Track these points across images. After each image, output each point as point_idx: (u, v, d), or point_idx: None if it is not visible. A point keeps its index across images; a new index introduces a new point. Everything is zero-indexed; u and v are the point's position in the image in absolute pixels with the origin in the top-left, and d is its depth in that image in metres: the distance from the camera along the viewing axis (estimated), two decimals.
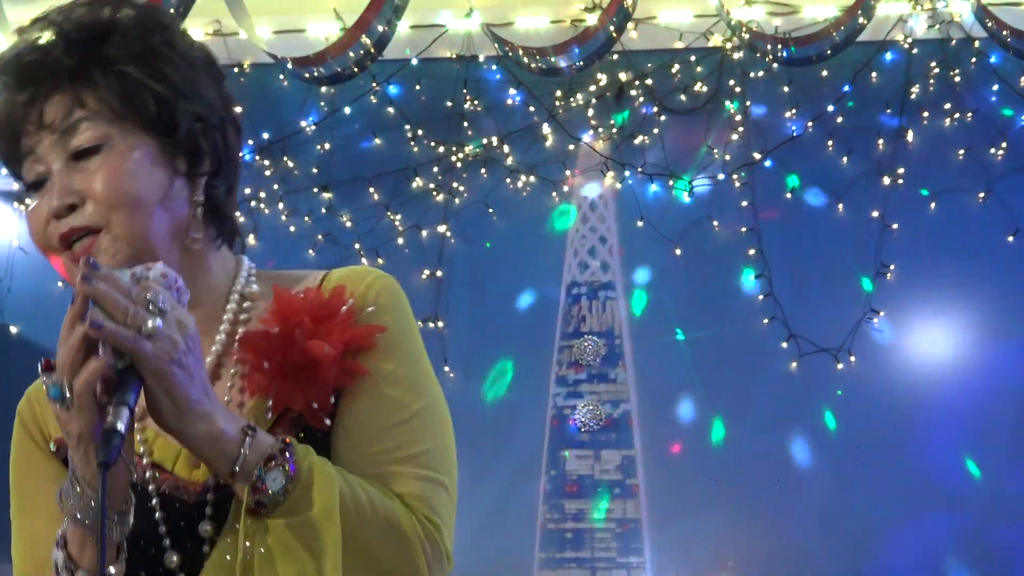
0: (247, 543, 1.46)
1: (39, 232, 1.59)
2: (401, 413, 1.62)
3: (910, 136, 4.20)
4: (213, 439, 1.44)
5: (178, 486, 1.56)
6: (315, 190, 4.48)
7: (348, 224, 4.48)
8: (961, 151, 4.19)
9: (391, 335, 1.62)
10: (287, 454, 1.44)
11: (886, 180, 4.17)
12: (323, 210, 4.51)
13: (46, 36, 1.59)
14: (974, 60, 4.26)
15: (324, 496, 1.49)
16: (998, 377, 4.17)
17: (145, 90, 1.55)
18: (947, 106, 4.27)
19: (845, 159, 4.21)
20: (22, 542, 1.72)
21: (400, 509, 1.53)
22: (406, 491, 1.56)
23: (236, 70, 4.49)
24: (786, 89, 4.25)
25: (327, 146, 4.50)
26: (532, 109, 4.40)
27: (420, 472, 1.60)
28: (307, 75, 4.19)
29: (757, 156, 4.25)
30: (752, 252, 4.23)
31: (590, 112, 4.40)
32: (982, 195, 4.17)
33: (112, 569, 1.39)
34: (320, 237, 4.49)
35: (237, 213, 1.73)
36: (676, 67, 4.38)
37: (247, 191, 4.54)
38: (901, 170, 4.19)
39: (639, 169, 4.31)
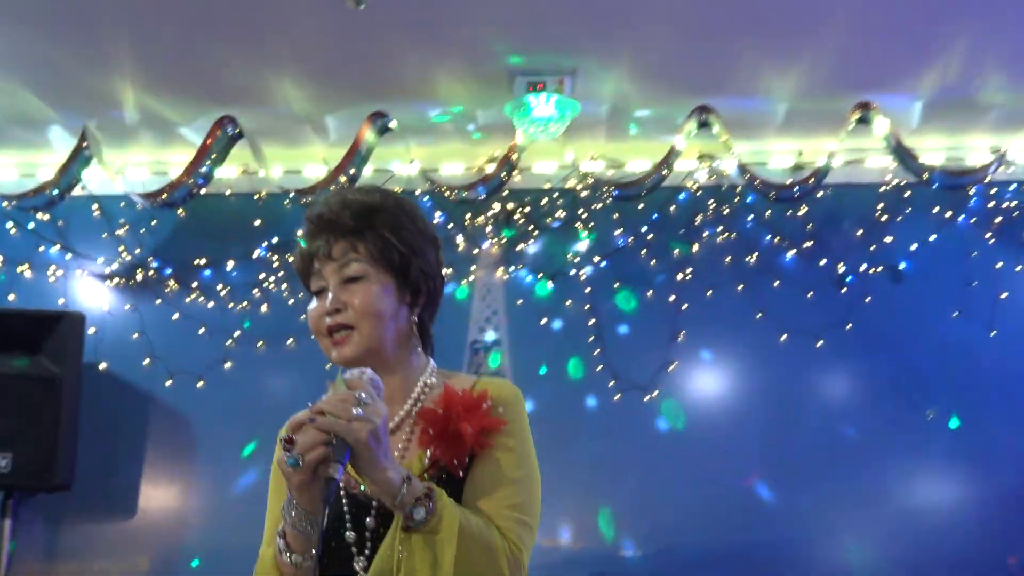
0: (400, 548, 2.04)
1: (316, 321, 2.25)
2: (510, 475, 2.19)
3: (695, 247, 5.29)
4: (386, 483, 1.95)
5: (362, 496, 2.18)
6: None
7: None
8: (728, 258, 5.27)
9: (510, 426, 2.21)
10: (430, 496, 1.97)
11: (679, 276, 5.28)
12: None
13: (338, 206, 2.26)
14: (736, 199, 5.37)
15: (449, 527, 2.00)
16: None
17: (394, 249, 2.21)
18: (719, 229, 5.36)
19: (653, 262, 5.28)
20: (266, 522, 2.38)
21: (497, 537, 2.05)
22: (504, 526, 2.09)
23: (256, 196, 5.58)
24: (616, 216, 5.27)
25: None
26: (451, 225, 5.42)
27: (515, 515, 2.13)
28: (302, 201, 5.15)
29: (596, 259, 5.37)
30: (591, 322, 5.32)
31: (488, 228, 5.51)
32: (740, 287, 5.26)
33: (313, 550, 2.02)
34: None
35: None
36: (545, 200, 5.50)
37: (261, 276, 5.55)
38: (690, 270, 5.27)
39: (520, 266, 5.48)
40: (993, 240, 5.28)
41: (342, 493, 2.24)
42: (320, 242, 2.27)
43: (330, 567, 2.22)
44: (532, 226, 5.36)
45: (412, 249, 2.29)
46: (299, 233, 2.36)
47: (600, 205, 5.46)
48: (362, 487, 2.23)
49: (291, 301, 5.41)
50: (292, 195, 5.22)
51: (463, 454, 2.21)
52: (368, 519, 2.22)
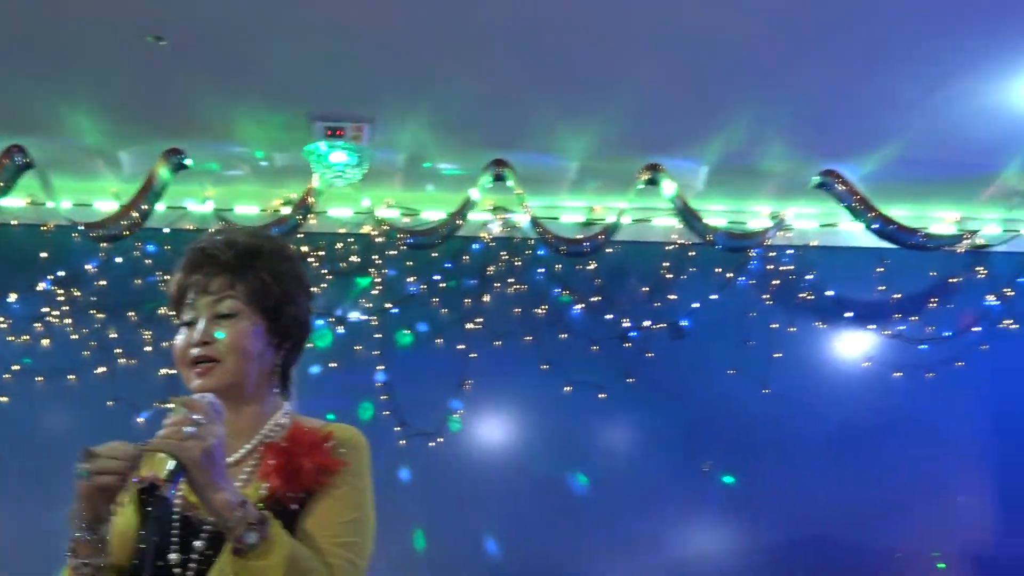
0: (229, 573, 2.06)
1: (182, 351, 2.27)
2: (345, 515, 2.24)
3: (486, 297, 5.38)
4: (221, 504, 1.98)
5: (195, 518, 2.20)
6: (92, 312, 5.44)
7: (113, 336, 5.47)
8: (518, 309, 5.41)
9: (350, 468, 2.26)
10: (264, 523, 2.01)
11: (468, 325, 5.36)
12: (96, 326, 5.49)
13: (222, 244, 2.30)
14: (528, 252, 5.48)
15: (279, 554, 2.05)
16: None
17: (269, 292, 2.26)
18: (510, 280, 5.45)
19: (444, 311, 5.41)
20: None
21: (324, 573, 2.13)
22: (333, 563, 2.17)
23: (43, 228, 5.52)
24: (409, 263, 5.33)
25: (104, 282, 5.56)
26: None
27: (345, 554, 2.19)
28: (92, 234, 5.13)
29: (388, 305, 5.44)
30: (381, 367, 5.43)
31: None
32: (528, 338, 5.43)
33: (102, 549, 2.12)
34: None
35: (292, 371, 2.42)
36: (340, 244, 5.50)
37: (44, 309, 5.47)
38: (480, 319, 5.34)
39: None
40: (770, 301, 5.53)
41: (175, 514, 2.26)
42: (199, 275, 2.31)
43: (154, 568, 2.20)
44: (327, 270, 5.48)
45: (287, 295, 2.32)
46: (177, 263, 2.36)
47: (394, 252, 5.56)
48: (199, 510, 2.23)
49: (74, 336, 5.35)
50: (81, 228, 5.15)
51: (299, 488, 2.25)
52: (197, 542, 2.23)
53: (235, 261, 2.28)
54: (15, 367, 5.48)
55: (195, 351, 2.25)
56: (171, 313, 2.42)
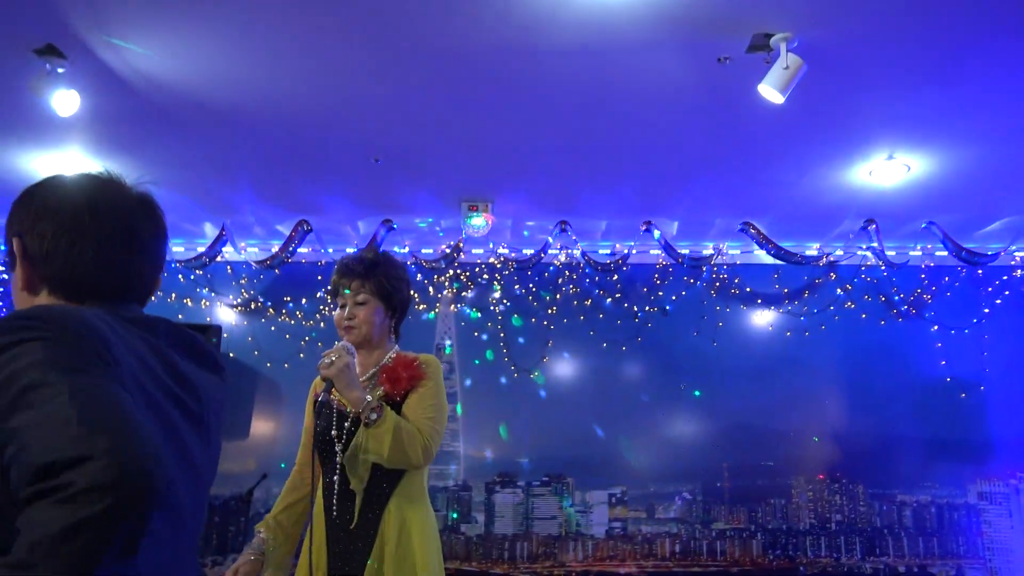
0: (361, 436, 2.17)
1: (338, 320, 2.37)
2: (427, 403, 2.28)
3: (558, 296, 6.35)
4: (354, 398, 2.16)
5: (343, 412, 2.29)
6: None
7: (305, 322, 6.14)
8: (575, 302, 6.24)
9: (429, 378, 2.32)
10: (380, 408, 2.17)
11: (549, 311, 6.34)
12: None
13: (357, 260, 2.40)
14: (580, 270, 6.28)
15: (388, 424, 2.14)
16: None
17: (385, 287, 2.37)
18: (570, 285, 6.37)
19: (535, 304, 6.22)
20: (301, 441, 2.56)
21: (417, 433, 2.17)
22: (422, 428, 2.21)
23: (319, 263, 6.11)
24: (515, 278, 6.51)
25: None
26: (426, 280, 6.04)
27: (429, 424, 2.25)
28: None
29: (504, 300, 6.46)
30: (501, 334, 6.15)
31: (446, 282, 6.09)
32: (582, 317, 6.34)
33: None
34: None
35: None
36: (477, 268, 6.54)
37: (320, 307, 6.19)
38: (554, 307, 6.27)
39: (463, 304, 6.16)
40: (715, 294, 6.02)
41: (333, 410, 2.31)
42: (345, 278, 2.38)
43: (323, 452, 2.31)
44: (470, 282, 5.81)
45: (394, 288, 2.40)
46: (334, 271, 2.47)
47: (507, 271, 6.07)
48: (347, 408, 2.29)
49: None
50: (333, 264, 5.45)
51: (399, 389, 2.29)
52: (345, 423, 2.29)
53: (364, 270, 2.36)
54: (306, 337, 5.95)
55: (345, 322, 2.33)
56: (331, 299, 2.50)
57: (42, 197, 1.20)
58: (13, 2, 3.08)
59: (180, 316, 5.80)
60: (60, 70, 3.44)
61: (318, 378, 2.38)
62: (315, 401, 2.42)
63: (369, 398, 2.15)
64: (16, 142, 4.32)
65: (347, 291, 2.32)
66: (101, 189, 1.22)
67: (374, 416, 2.11)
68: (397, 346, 2.44)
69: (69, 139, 4.26)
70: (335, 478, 2.20)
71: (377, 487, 2.17)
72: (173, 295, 5.79)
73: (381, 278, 2.33)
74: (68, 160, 4.43)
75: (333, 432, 2.23)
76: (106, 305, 1.16)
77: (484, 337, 5.86)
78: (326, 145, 4.32)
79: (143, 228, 1.22)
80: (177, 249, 5.80)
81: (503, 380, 5.75)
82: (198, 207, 5.21)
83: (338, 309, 2.36)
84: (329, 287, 2.43)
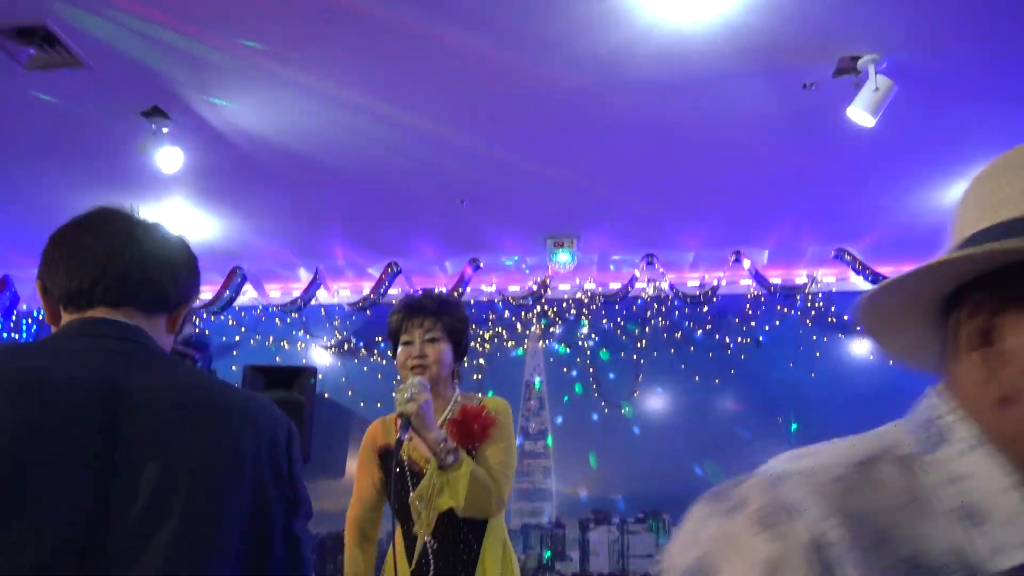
0: (435, 479, 2.12)
1: (404, 359, 2.29)
2: (499, 448, 2.25)
3: (647, 328, 6.33)
4: (432, 439, 2.10)
5: (413, 466, 2.23)
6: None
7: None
8: (665, 335, 6.43)
9: (500, 426, 2.27)
10: (457, 451, 2.13)
11: (638, 344, 6.13)
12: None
13: (427, 300, 2.34)
14: (669, 302, 6.50)
15: (465, 469, 2.11)
16: None
17: (457, 328, 2.35)
18: (660, 318, 6.43)
19: (623, 337, 6.38)
20: (354, 489, 2.41)
21: (491, 483, 2.14)
22: (497, 477, 2.16)
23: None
24: (603, 312, 6.50)
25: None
26: (514, 317, 6.19)
27: (502, 473, 2.21)
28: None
29: (592, 335, 6.31)
30: (591, 369, 6.20)
31: (533, 319, 6.24)
32: (672, 350, 6.22)
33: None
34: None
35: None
36: (564, 304, 6.44)
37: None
38: (644, 340, 6.03)
39: (551, 340, 6.25)
40: (810, 324, 5.90)
41: (405, 468, 2.27)
42: (416, 316, 2.33)
43: (397, 502, 2.28)
44: (557, 318, 5.72)
45: (463, 330, 2.38)
46: (391, 311, 2.42)
47: (594, 306, 6.13)
48: (420, 466, 2.26)
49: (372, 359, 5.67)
50: (394, 304, 5.47)
51: (472, 442, 2.27)
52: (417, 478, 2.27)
53: (437, 309, 2.32)
54: (397, 379, 5.61)
55: (413, 360, 2.27)
56: (391, 339, 2.41)
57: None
58: (122, 69, 3.31)
59: (278, 359, 6.06)
60: (164, 129, 3.69)
61: (375, 424, 2.39)
62: (378, 450, 2.37)
63: (445, 437, 2.14)
64: (118, 199, 4.51)
65: (416, 328, 2.28)
66: (86, 214, 1.37)
67: (451, 459, 2.09)
68: (459, 390, 2.43)
69: (171, 192, 4.49)
70: (427, 537, 2.19)
71: (468, 539, 2.17)
72: (271, 338, 6.02)
73: (452, 319, 2.33)
74: (171, 212, 4.70)
75: (412, 493, 2.20)
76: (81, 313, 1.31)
77: (573, 373, 5.83)
78: (412, 189, 4.43)
79: (104, 237, 1.31)
80: (274, 294, 6.09)
81: (594, 416, 5.71)
82: (292, 253, 5.43)
83: (401, 347, 2.32)
84: (391, 327, 2.37)
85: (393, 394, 2.14)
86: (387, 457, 2.30)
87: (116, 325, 1.28)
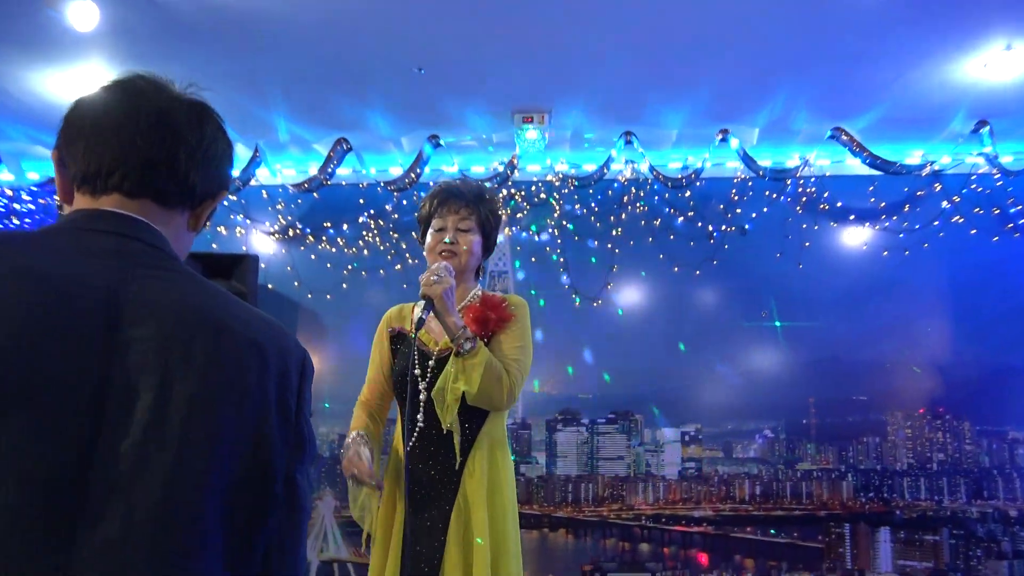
0: (453, 366, 2.26)
1: (434, 244, 2.42)
2: (514, 344, 2.40)
3: (623, 216, 6.16)
4: (451, 324, 2.23)
5: (426, 350, 2.38)
6: (390, 232, 6.26)
7: (403, 245, 6.26)
8: (642, 221, 6.22)
9: (516, 319, 2.41)
10: (475, 339, 2.25)
11: (613, 232, 6.16)
12: (394, 238, 6.17)
13: (464, 186, 2.49)
14: (648, 186, 6.17)
15: (481, 356, 2.24)
16: None
17: (487, 220, 2.50)
18: (638, 204, 6.29)
19: (598, 224, 6.23)
20: (368, 369, 2.58)
21: (504, 372, 2.29)
22: (509, 368, 2.30)
23: (360, 185, 6.09)
24: (576, 197, 6.47)
25: (395, 215, 6.15)
26: None
27: (515, 364, 2.35)
28: (389, 187, 5.96)
29: (565, 223, 6.35)
30: (562, 260, 5.87)
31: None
32: (650, 239, 6.27)
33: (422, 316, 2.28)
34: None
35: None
36: (534, 187, 6.24)
37: (363, 232, 6.24)
38: (620, 228, 6.12)
39: (518, 227, 6.32)
40: (800, 211, 5.92)
41: (414, 348, 2.38)
42: (450, 202, 2.46)
43: (401, 392, 2.40)
44: (525, 202, 5.74)
45: (495, 222, 2.53)
46: (426, 195, 2.56)
47: (566, 190, 6.02)
48: (430, 348, 2.41)
49: (381, 247, 5.96)
50: (381, 184, 5.84)
51: (488, 330, 2.40)
52: (430, 362, 2.40)
53: (474, 197, 2.45)
54: (349, 266, 6.12)
55: (443, 245, 2.41)
56: (421, 224, 2.56)
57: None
58: None
59: (215, 245, 5.94)
60: None
61: (392, 310, 2.52)
62: (390, 331, 2.49)
63: (463, 324, 2.24)
64: (27, 60, 4.38)
65: (450, 215, 2.38)
66: (119, 82, 1.31)
67: (468, 346, 2.21)
68: (481, 287, 2.54)
69: (88, 55, 4.29)
70: (418, 417, 2.31)
71: (464, 427, 2.28)
72: (207, 223, 5.88)
73: (488, 211, 2.45)
74: (87, 77, 4.51)
75: (416, 371, 2.32)
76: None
77: (542, 262, 5.82)
78: (363, 52, 4.31)
79: (126, 112, 1.26)
80: None
81: (564, 309, 5.73)
82: (228, 127, 5.15)
83: (432, 233, 2.43)
84: (422, 212, 2.49)
85: (419, 277, 2.28)
86: (398, 339, 2.45)
87: (128, 221, 1.25)
